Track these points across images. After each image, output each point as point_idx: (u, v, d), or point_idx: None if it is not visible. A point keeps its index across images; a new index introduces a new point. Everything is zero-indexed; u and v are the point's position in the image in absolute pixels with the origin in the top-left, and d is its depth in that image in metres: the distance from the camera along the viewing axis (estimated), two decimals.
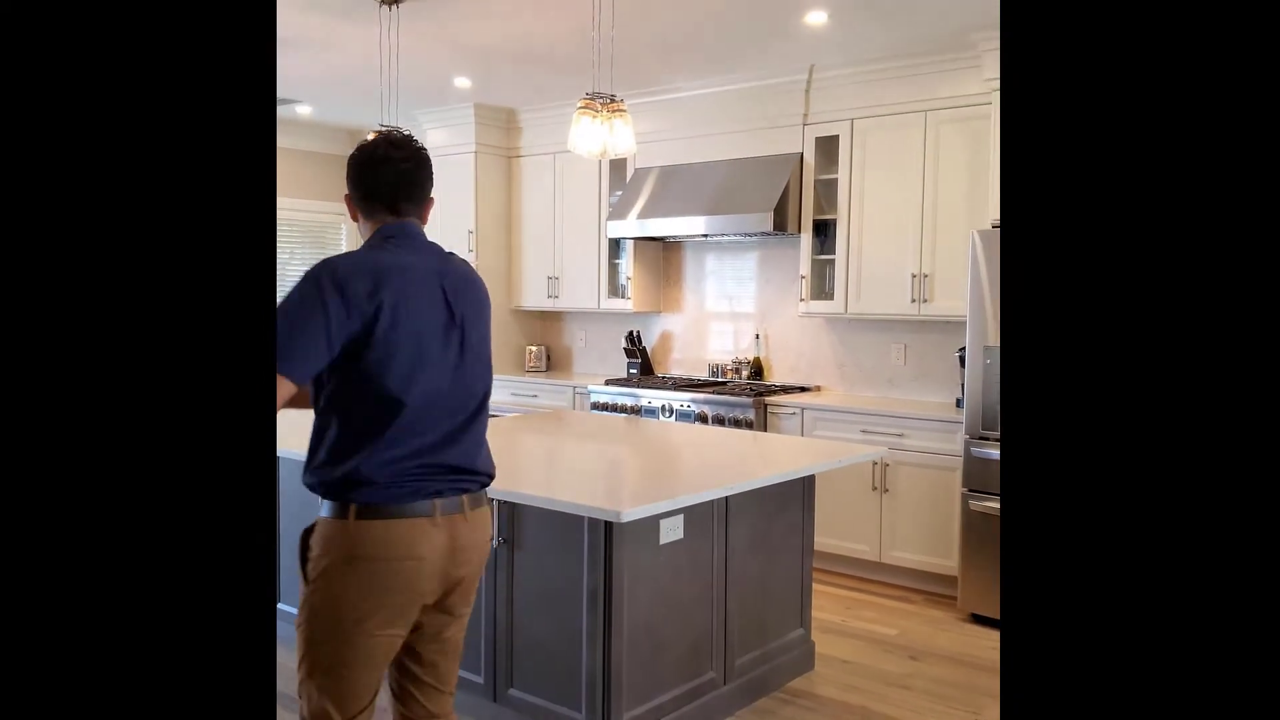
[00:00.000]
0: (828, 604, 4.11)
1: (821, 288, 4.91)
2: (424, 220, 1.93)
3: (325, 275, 1.71)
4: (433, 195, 1.95)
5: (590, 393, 5.38)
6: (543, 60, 4.73)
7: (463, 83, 5.28)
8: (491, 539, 2.14)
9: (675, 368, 5.75)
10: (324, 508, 1.77)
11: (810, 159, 4.83)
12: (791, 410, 4.66)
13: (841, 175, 4.73)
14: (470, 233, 6.03)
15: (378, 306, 1.72)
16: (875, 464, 4.41)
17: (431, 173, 1.93)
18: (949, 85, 4.36)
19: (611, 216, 5.39)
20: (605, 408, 5.25)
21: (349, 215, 2.27)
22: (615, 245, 5.71)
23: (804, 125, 4.84)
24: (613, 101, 3.06)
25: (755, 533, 3.11)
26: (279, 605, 3.59)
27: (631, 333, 5.73)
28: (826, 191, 4.85)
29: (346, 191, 1.92)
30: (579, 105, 3.07)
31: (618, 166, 5.66)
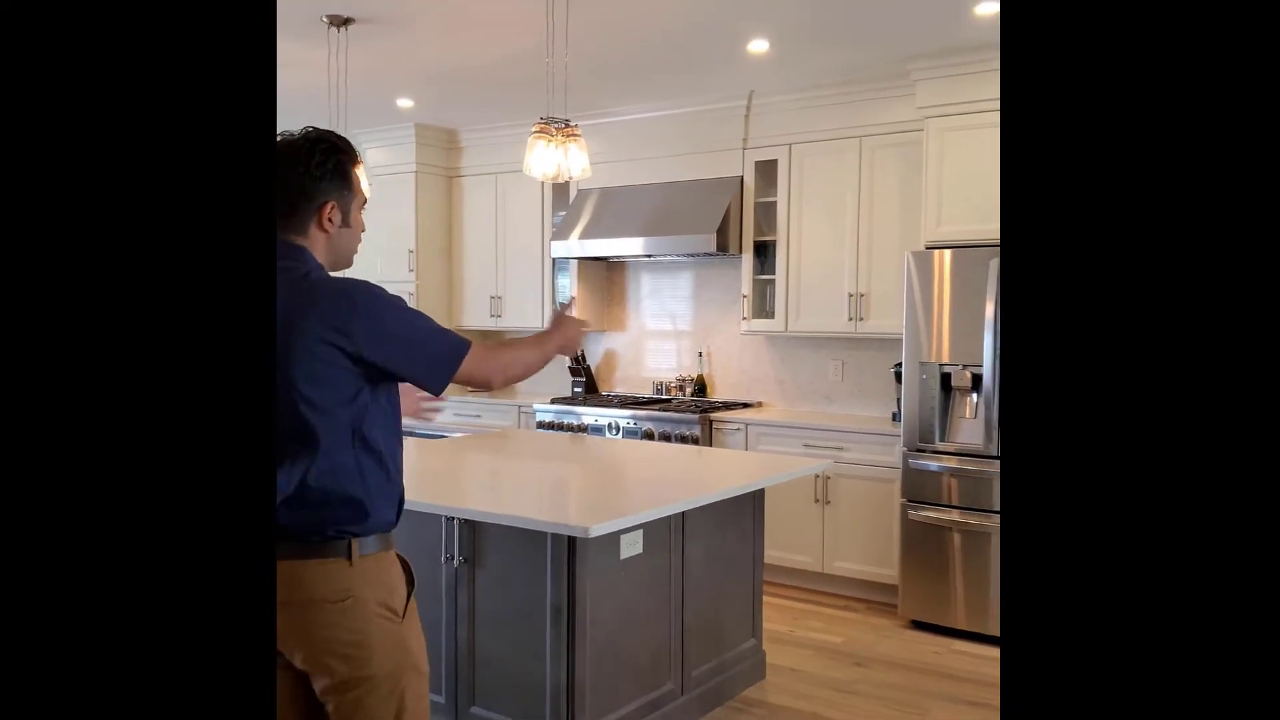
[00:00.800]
0: (775, 615, 4.21)
1: (762, 306, 5.05)
2: (302, 233, 1.70)
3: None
4: (322, 202, 1.70)
5: (536, 412, 5.42)
6: (487, 82, 4.79)
7: (405, 103, 5.30)
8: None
9: (620, 386, 5.82)
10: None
11: (750, 182, 4.97)
12: (736, 426, 4.77)
13: (780, 198, 4.88)
14: (410, 252, 6.03)
15: None
16: (817, 477, 4.54)
17: (300, 172, 1.68)
18: (883, 112, 4.54)
19: (555, 236, 5.46)
20: (551, 427, 5.29)
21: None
22: (558, 265, 5.77)
23: (744, 149, 4.99)
24: (567, 126, 3.14)
25: (709, 546, 3.19)
26: None
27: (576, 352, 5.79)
28: (766, 213, 5.00)
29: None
30: (534, 129, 3.14)
31: (560, 188, 5.73)
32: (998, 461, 3.90)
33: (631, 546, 2.84)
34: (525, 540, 2.71)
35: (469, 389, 6.29)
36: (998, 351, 3.88)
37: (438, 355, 1.72)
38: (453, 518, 2.81)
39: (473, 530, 2.81)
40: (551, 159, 3.13)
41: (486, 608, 2.81)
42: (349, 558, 1.67)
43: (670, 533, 3.01)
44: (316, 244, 1.74)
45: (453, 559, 2.84)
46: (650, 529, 2.90)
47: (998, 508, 3.91)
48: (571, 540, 2.63)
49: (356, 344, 1.64)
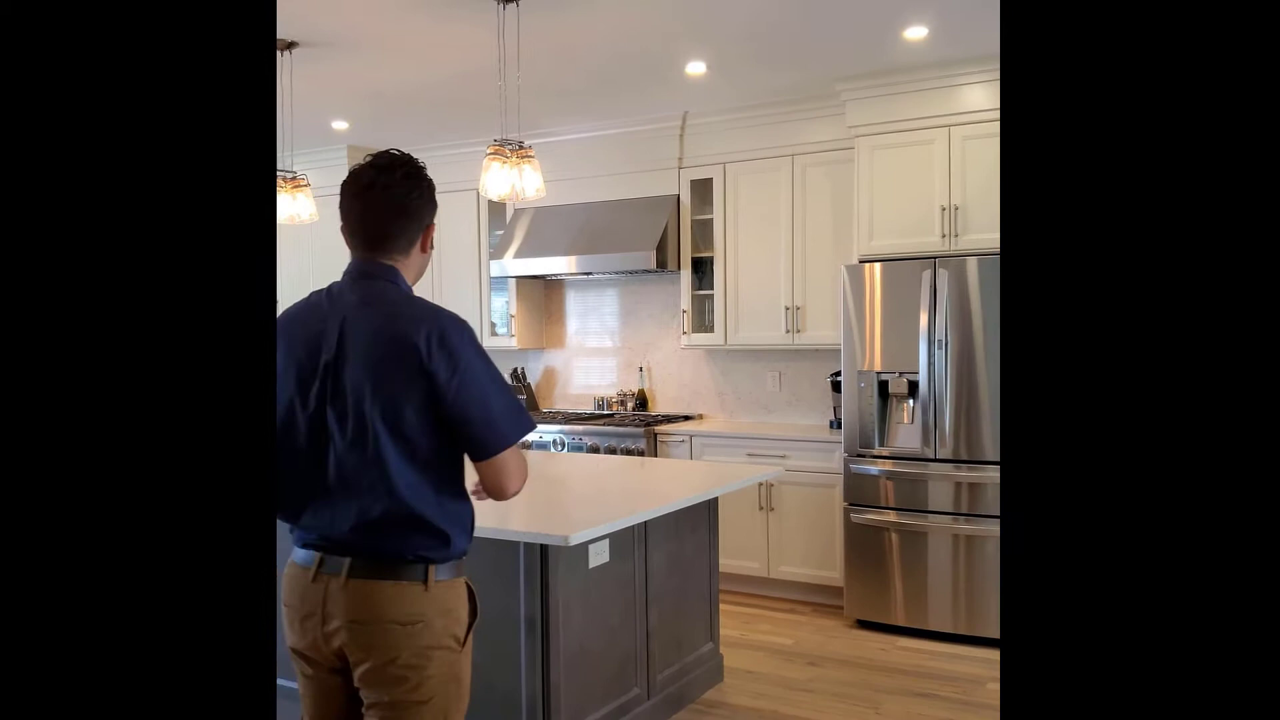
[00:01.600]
0: (726, 620, 4.32)
1: (701, 321, 5.18)
2: (405, 254, 1.75)
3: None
4: (427, 224, 1.76)
5: None
6: (424, 104, 4.82)
7: (339, 125, 5.29)
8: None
9: (560, 402, 5.88)
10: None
11: (686, 200, 5.11)
12: (680, 438, 4.88)
13: (716, 215, 5.03)
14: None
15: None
16: (761, 485, 4.68)
17: (403, 195, 1.71)
18: (814, 131, 4.73)
19: (492, 256, 5.50)
20: None
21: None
22: (495, 284, 5.81)
23: (679, 168, 5.12)
24: (521, 148, 3.21)
25: (670, 554, 3.28)
26: None
27: (515, 369, 5.83)
28: (703, 230, 5.14)
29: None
30: (489, 151, 3.20)
31: (496, 207, 5.78)
32: (934, 463, 4.10)
33: (599, 556, 2.91)
34: (497, 552, 2.75)
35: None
36: (933, 359, 4.08)
37: (497, 428, 1.67)
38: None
39: None
40: (506, 179, 3.20)
41: None
42: (425, 583, 1.68)
43: (634, 542, 3.09)
44: (411, 265, 1.78)
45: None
46: (615, 538, 2.98)
47: (933, 507, 4.10)
48: (544, 551, 2.68)
49: (443, 380, 1.64)
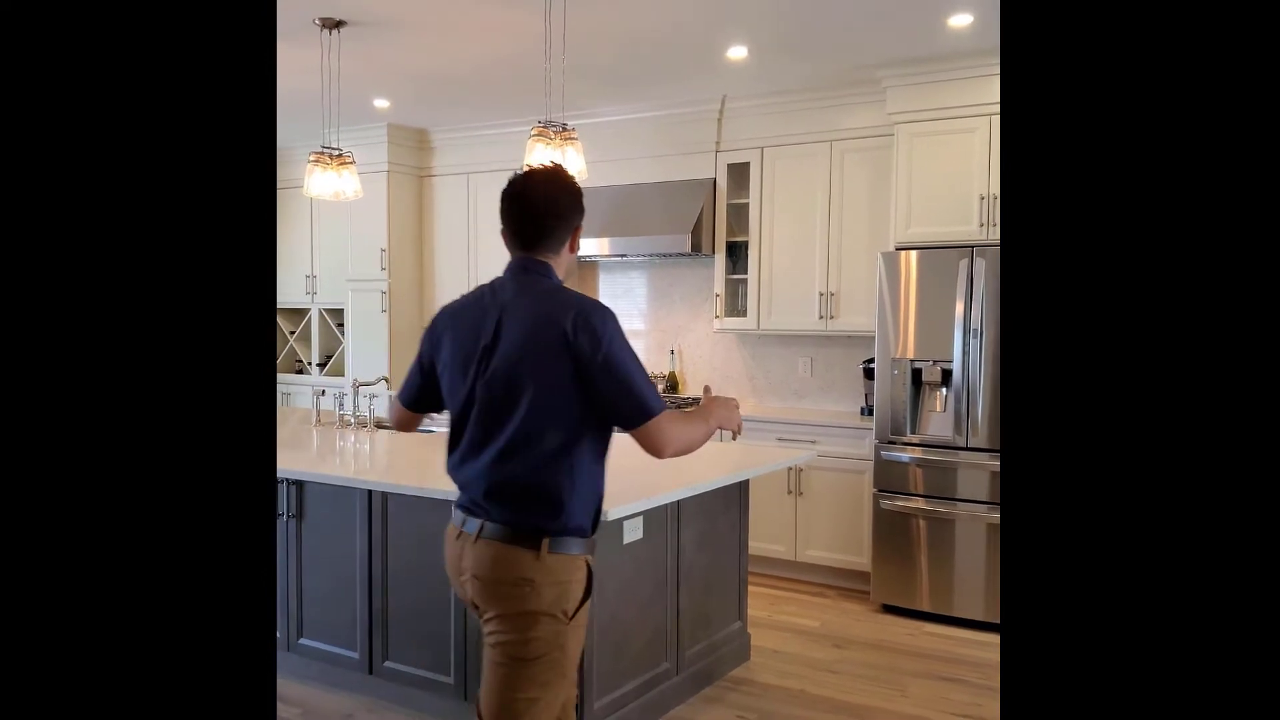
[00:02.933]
0: (753, 600, 4.36)
1: (734, 305, 5.21)
2: (556, 253, 1.98)
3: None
4: (576, 226, 1.99)
5: None
6: (466, 84, 4.87)
7: (381, 103, 5.35)
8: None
9: None
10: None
11: (723, 184, 5.13)
12: None
13: (752, 200, 5.04)
14: (382, 251, 6.07)
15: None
16: (790, 469, 4.71)
17: (548, 208, 1.95)
18: (853, 117, 4.73)
19: None
20: None
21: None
22: None
23: (716, 152, 5.14)
24: (564, 130, 3.25)
25: (701, 533, 3.33)
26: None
27: None
28: (738, 215, 5.16)
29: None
30: (532, 132, 3.24)
31: None
32: (965, 452, 4.11)
33: (633, 532, 2.96)
34: None
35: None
36: (968, 348, 4.09)
37: (640, 399, 1.87)
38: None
39: None
40: (550, 160, 3.24)
41: None
42: (538, 552, 1.85)
43: (666, 520, 3.14)
44: (561, 262, 2.02)
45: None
46: (648, 516, 3.03)
47: (962, 495, 4.12)
48: None
49: (586, 357, 1.84)
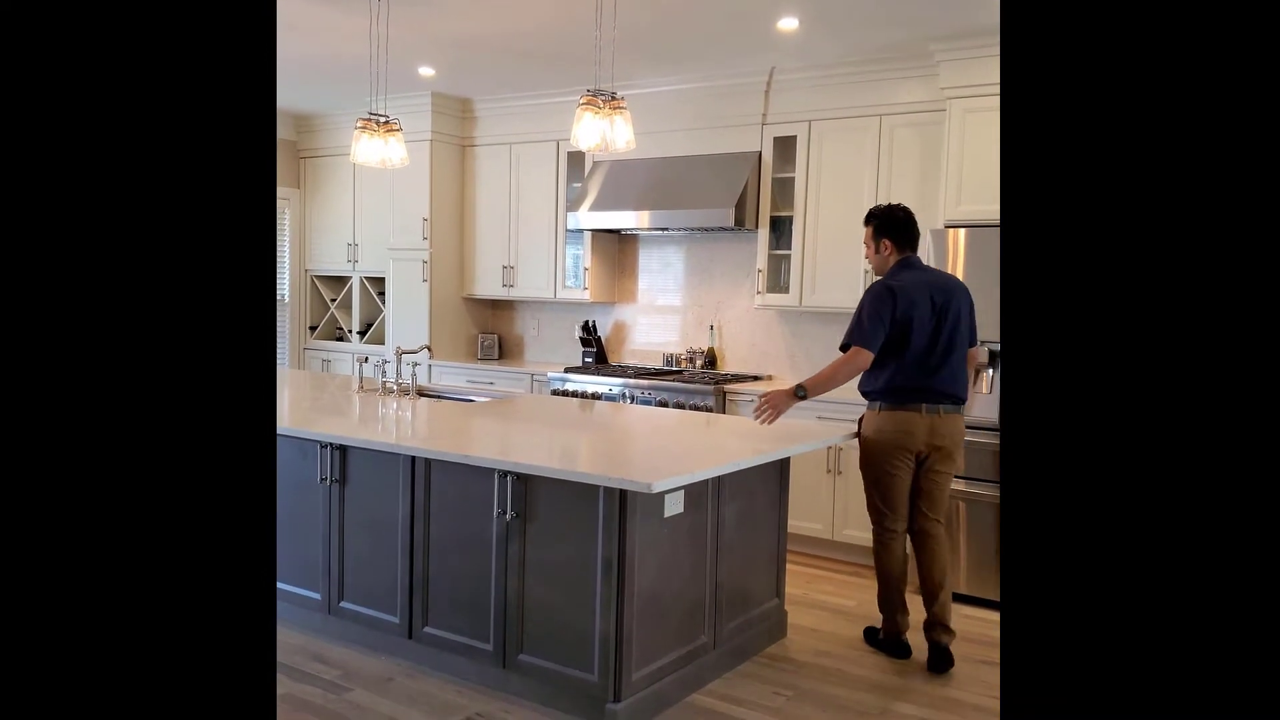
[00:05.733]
0: (790, 578, 4.35)
1: (776, 281, 5.15)
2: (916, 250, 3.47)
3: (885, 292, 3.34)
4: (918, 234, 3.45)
5: (550, 380, 5.51)
6: (511, 52, 4.84)
7: (426, 71, 5.34)
8: (960, 434, 3.44)
9: (629, 357, 5.92)
10: (871, 406, 3.45)
11: (768, 158, 5.06)
12: (749, 398, 4.89)
13: (798, 174, 4.97)
14: (425, 220, 6.08)
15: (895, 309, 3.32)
16: (830, 448, 4.67)
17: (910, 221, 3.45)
18: (904, 92, 4.64)
19: (570, 208, 5.53)
20: (566, 394, 5.38)
21: (874, 247, 3.49)
22: (570, 236, 5.84)
23: (763, 125, 5.07)
24: (613, 99, 3.21)
25: (740, 509, 3.32)
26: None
27: (587, 322, 5.88)
28: (783, 189, 5.10)
29: (882, 235, 3.44)
30: (581, 101, 3.20)
31: (575, 159, 5.79)
32: None
33: (674, 506, 2.95)
34: (576, 497, 2.81)
35: (479, 357, 6.28)
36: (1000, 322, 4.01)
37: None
38: (506, 473, 2.91)
39: (525, 486, 2.91)
40: (597, 130, 3.21)
41: (537, 561, 2.92)
42: (961, 413, 3.44)
43: (707, 495, 3.13)
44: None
45: (504, 513, 2.94)
46: (689, 490, 3.02)
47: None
48: (623, 497, 2.74)
49: (969, 315, 3.51)
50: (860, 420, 3.49)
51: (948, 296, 3.32)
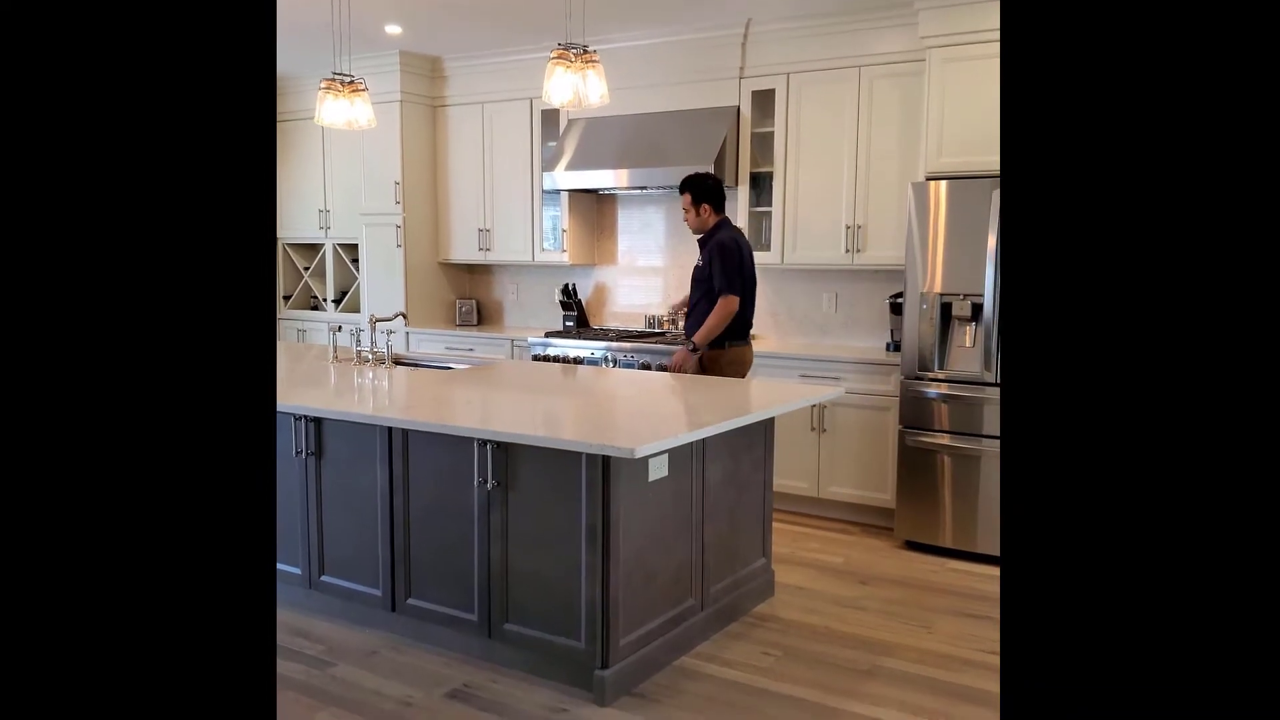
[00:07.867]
0: (777, 537, 4.33)
1: (758, 239, 5.08)
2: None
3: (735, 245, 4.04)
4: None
5: (530, 345, 5.44)
6: (478, 11, 4.69)
7: (393, 30, 5.18)
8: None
9: (611, 320, 5.85)
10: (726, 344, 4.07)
11: (747, 112, 4.96)
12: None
13: (778, 129, 4.88)
14: (396, 184, 5.95)
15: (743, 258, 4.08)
16: (814, 406, 4.64)
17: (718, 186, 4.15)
18: (884, 42, 4.55)
19: (546, 168, 5.42)
20: (546, 359, 5.32)
21: (695, 211, 4.16)
22: (547, 197, 5.73)
23: (740, 79, 4.97)
24: (585, 52, 3.11)
25: (726, 470, 3.28)
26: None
27: (567, 285, 5.79)
28: (762, 145, 5.00)
29: (701, 201, 4.10)
30: (552, 55, 3.10)
31: (550, 117, 5.67)
32: (993, 388, 4.03)
33: (658, 470, 2.91)
34: (558, 463, 2.76)
35: (457, 323, 6.24)
36: (999, 281, 3.97)
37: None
38: (485, 442, 2.85)
39: (505, 455, 2.86)
40: (570, 85, 3.11)
41: (519, 529, 2.87)
42: None
43: (691, 457, 3.08)
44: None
45: (485, 482, 2.89)
46: (673, 453, 2.97)
47: (988, 432, 4.04)
48: (606, 463, 2.69)
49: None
50: (701, 359, 4.06)
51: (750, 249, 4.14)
